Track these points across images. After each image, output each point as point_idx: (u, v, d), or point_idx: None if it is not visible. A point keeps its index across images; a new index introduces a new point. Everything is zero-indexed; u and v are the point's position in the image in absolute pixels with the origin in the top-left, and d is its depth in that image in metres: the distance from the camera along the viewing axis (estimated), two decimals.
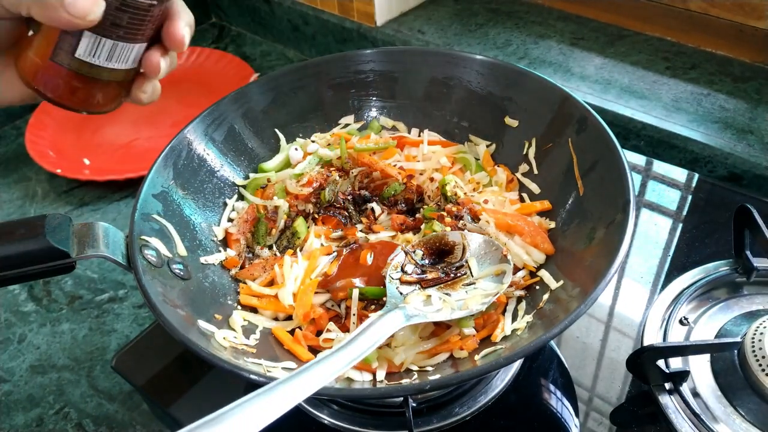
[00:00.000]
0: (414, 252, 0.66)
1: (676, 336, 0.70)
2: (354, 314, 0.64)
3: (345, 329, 0.64)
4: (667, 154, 0.96)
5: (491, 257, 0.66)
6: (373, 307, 0.65)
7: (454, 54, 0.85)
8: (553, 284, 0.64)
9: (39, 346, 0.81)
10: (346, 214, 0.75)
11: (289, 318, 0.68)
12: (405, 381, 0.59)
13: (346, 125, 0.88)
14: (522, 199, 0.77)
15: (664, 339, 0.69)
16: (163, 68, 0.52)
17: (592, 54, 1.10)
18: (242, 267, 0.72)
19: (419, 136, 0.86)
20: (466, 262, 0.65)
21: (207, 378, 0.72)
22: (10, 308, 0.87)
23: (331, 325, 0.64)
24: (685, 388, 0.64)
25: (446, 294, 0.63)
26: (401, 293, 0.62)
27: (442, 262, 0.66)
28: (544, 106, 0.76)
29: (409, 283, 0.64)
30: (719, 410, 0.63)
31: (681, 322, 0.72)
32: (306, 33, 1.32)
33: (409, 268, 0.65)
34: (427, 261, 0.66)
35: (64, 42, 0.48)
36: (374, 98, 0.88)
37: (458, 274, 0.65)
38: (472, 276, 0.64)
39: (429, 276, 0.65)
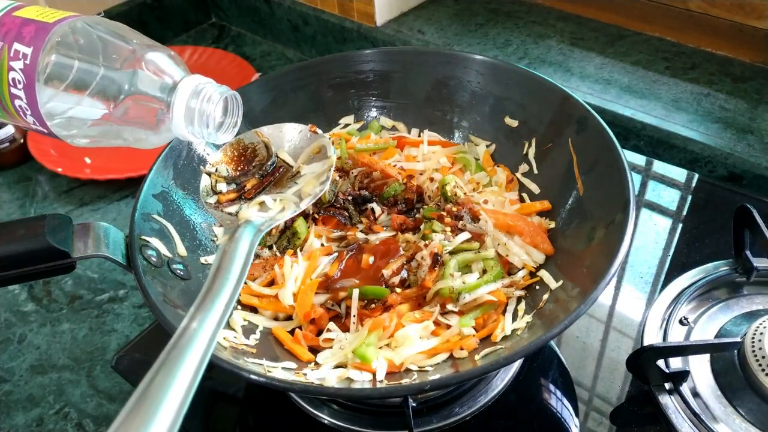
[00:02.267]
0: (216, 170, 0.61)
1: (676, 336, 0.70)
2: (354, 315, 0.64)
3: (345, 329, 0.64)
4: (667, 154, 0.96)
5: (302, 139, 0.62)
6: (373, 306, 0.65)
7: (454, 54, 0.85)
8: (553, 284, 0.64)
9: (39, 346, 0.81)
10: (346, 214, 0.75)
11: (289, 318, 0.68)
12: (405, 381, 0.59)
13: (346, 125, 0.88)
14: (522, 199, 0.77)
15: (664, 339, 0.69)
16: None
17: (592, 54, 1.10)
18: None
19: (419, 136, 0.86)
20: (277, 156, 0.62)
21: (207, 378, 0.72)
22: (10, 308, 0.87)
23: (332, 325, 0.64)
24: (685, 388, 0.64)
25: (279, 193, 0.59)
26: (230, 213, 0.58)
27: (253, 168, 0.62)
28: (544, 106, 0.76)
29: (231, 200, 0.60)
30: (719, 410, 0.63)
31: (681, 322, 0.72)
32: (306, 33, 1.32)
33: (222, 186, 0.61)
34: (237, 173, 0.61)
35: None
36: (374, 98, 0.88)
37: (278, 172, 0.61)
38: (292, 167, 0.61)
39: (248, 186, 0.60)
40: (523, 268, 0.68)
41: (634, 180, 0.71)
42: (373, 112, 0.88)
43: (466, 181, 0.79)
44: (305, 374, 0.59)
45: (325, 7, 1.25)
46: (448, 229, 0.69)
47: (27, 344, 0.82)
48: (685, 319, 0.72)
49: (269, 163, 0.62)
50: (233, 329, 0.64)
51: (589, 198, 0.68)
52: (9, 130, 1.07)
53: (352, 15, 1.22)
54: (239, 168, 0.62)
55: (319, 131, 0.63)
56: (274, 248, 0.73)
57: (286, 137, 0.63)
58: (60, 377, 0.77)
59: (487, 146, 0.83)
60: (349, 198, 0.76)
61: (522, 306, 0.65)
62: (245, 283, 0.70)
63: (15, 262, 0.54)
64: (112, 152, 1.10)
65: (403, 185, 0.76)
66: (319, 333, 0.65)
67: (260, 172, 0.62)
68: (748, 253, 0.74)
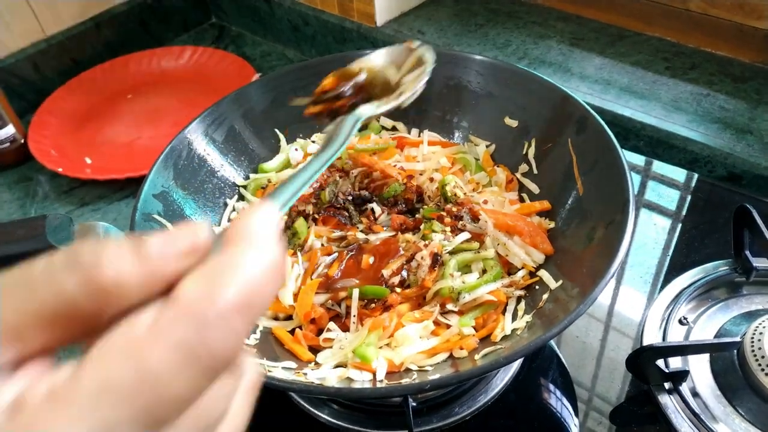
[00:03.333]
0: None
1: (676, 336, 0.70)
2: (354, 314, 0.64)
3: (345, 329, 0.64)
4: (667, 154, 0.96)
5: (399, 55, 0.63)
6: (373, 306, 0.65)
7: (454, 54, 0.85)
8: (553, 284, 0.64)
9: None
10: (346, 214, 0.75)
11: (289, 318, 0.68)
12: (405, 381, 0.59)
13: None
14: (522, 199, 0.77)
15: (664, 339, 0.69)
16: None
17: (592, 54, 1.10)
18: None
19: (419, 136, 0.86)
20: (370, 70, 0.62)
21: None
22: None
23: (332, 325, 0.65)
24: (684, 387, 0.64)
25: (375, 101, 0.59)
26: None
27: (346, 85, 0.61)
28: (544, 106, 0.76)
29: (333, 110, 0.58)
30: (719, 410, 0.64)
31: (680, 321, 0.72)
32: (306, 33, 1.32)
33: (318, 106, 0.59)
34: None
35: None
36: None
37: (372, 85, 0.61)
38: (390, 81, 0.61)
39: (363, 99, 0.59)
40: (522, 268, 0.68)
41: (634, 180, 0.71)
42: None
43: (466, 181, 0.79)
44: (305, 374, 0.59)
45: (325, 7, 1.25)
46: (448, 229, 0.70)
47: None
48: (685, 318, 0.72)
49: (361, 78, 0.61)
50: None
51: (589, 198, 0.68)
52: (9, 130, 1.07)
53: (352, 15, 1.22)
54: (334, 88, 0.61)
55: (416, 43, 0.62)
56: None
57: (385, 58, 0.63)
58: None
59: (487, 146, 0.83)
60: (349, 198, 0.76)
61: (522, 306, 0.65)
62: None
63: (15, 262, 0.54)
64: (113, 152, 1.11)
65: (403, 185, 0.76)
66: (319, 333, 0.65)
67: (351, 85, 0.60)
68: (747, 253, 0.74)
